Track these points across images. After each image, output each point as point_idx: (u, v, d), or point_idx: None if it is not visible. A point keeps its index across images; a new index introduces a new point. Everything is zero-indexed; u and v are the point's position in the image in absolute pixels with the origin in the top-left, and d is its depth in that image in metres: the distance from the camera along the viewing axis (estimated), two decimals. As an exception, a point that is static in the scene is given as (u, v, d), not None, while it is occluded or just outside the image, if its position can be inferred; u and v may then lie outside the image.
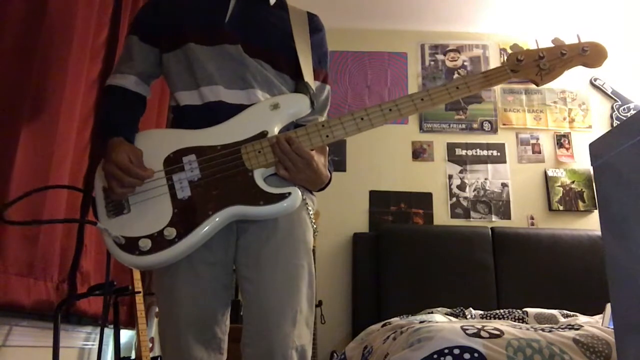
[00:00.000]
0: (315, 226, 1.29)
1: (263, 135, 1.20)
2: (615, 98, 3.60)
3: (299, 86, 1.33)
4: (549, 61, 1.26)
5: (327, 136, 1.21)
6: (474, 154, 3.53)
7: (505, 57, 3.60)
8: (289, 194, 1.14)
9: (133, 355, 2.30)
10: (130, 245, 1.10)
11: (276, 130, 1.21)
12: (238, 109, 1.23)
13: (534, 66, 1.26)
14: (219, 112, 1.22)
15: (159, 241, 1.10)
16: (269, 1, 1.38)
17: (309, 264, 1.23)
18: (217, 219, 1.13)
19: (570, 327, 1.61)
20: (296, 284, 1.18)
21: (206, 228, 1.12)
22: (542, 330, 1.58)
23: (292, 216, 1.21)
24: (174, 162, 1.18)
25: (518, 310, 2.42)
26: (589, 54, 1.26)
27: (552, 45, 1.28)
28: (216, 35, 1.28)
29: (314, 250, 1.27)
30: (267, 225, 1.19)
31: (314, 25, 1.41)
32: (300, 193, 1.16)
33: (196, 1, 1.33)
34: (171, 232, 1.10)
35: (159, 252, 1.09)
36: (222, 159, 1.18)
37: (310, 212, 1.28)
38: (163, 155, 1.19)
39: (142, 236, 1.10)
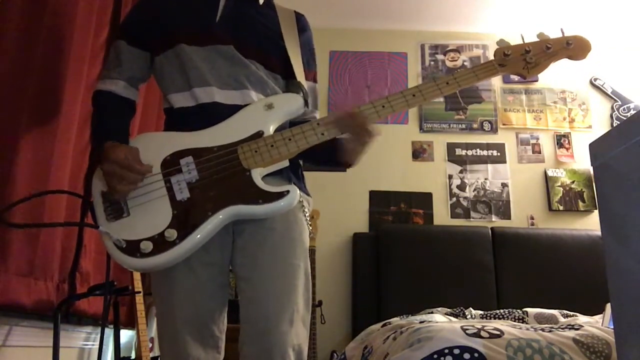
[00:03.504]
0: (310, 227, 1.30)
1: (259, 135, 1.21)
2: (615, 98, 3.60)
3: (291, 86, 1.33)
4: (535, 55, 1.30)
5: (323, 134, 1.22)
6: (474, 154, 3.53)
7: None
8: (287, 192, 1.15)
9: (133, 355, 2.30)
10: (132, 248, 1.10)
11: (271, 130, 1.22)
12: (232, 109, 1.23)
13: (521, 60, 1.30)
14: (214, 113, 1.23)
15: (160, 243, 1.10)
16: (259, 0, 1.38)
17: (305, 264, 1.24)
18: (216, 219, 1.13)
19: (570, 327, 1.61)
20: (293, 283, 1.19)
21: (206, 228, 1.12)
22: (542, 330, 1.58)
23: (288, 217, 1.21)
24: (171, 165, 1.18)
25: (518, 310, 2.42)
26: (573, 47, 1.30)
27: (538, 39, 1.32)
28: (207, 36, 1.28)
29: (313, 251, 1.28)
30: (263, 225, 1.20)
31: (302, 25, 1.42)
32: (298, 191, 1.17)
33: (185, 1, 1.33)
34: (172, 234, 1.11)
35: (160, 254, 1.10)
36: (219, 160, 1.18)
37: (307, 213, 1.29)
38: (160, 158, 1.20)
39: (143, 239, 1.11)
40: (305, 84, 1.35)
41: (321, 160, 1.36)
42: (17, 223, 1.20)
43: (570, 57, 1.31)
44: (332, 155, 1.32)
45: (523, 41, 1.32)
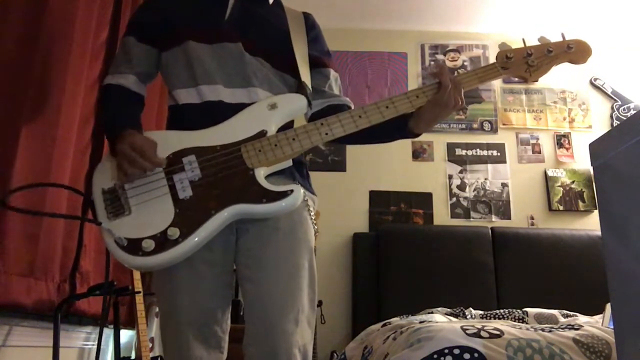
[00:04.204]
0: (316, 227, 1.30)
1: (262, 134, 1.20)
2: (615, 98, 3.60)
3: (300, 86, 1.34)
4: (537, 58, 1.31)
5: (327, 134, 1.22)
6: (474, 154, 3.53)
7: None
8: (291, 191, 1.14)
9: (133, 355, 2.30)
10: (133, 246, 1.09)
11: (274, 129, 1.22)
12: (237, 108, 1.23)
13: (523, 63, 1.31)
14: (218, 112, 1.23)
15: (163, 241, 1.09)
16: (268, 0, 1.38)
17: (310, 264, 1.23)
18: (219, 218, 1.13)
19: (570, 327, 1.61)
20: (298, 283, 1.18)
21: (209, 227, 1.12)
22: (542, 330, 1.58)
23: (293, 216, 1.21)
24: (174, 163, 1.18)
25: (518, 310, 2.42)
26: (574, 51, 1.31)
27: (539, 43, 1.33)
28: (216, 34, 1.28)
29: (314, 250, 1.27)
30: (268, 225, 1.19)
31: (310, 24, 1.43)
32: (302, 191, 1.17)
33: None
34: (174, 232, 1.10)
35: (162, 253, 1.09)
36: (222, 159, 1.18)
37: (312, 212, 1.28)
38: (163, 157, 1.19)
39: (144, 237, 1.10)
40: (331, 73, 1.40)
41: (386, 133, 1.35)
42: (19, 207, 1.17)
43: (571, 61, 1.32)
44: (401, 127, 1.30)
45: (525, 44, 1.32)
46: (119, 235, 1.10)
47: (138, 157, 1.13)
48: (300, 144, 1.20)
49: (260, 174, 1.17)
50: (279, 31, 1.34)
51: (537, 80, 1.33)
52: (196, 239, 1.11)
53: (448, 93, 1.23)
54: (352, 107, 1.39)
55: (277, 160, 1.19)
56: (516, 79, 1.35)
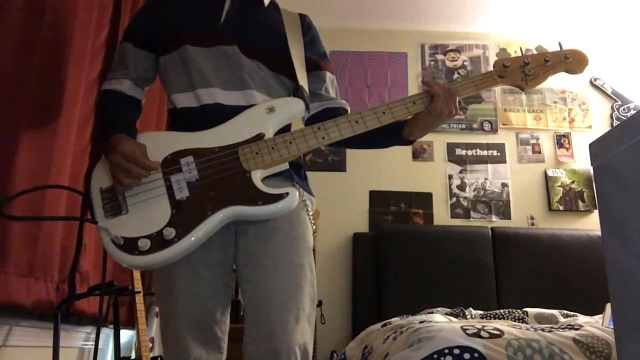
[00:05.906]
0: (314, 227, 1.30)
1: (260, 137, 1.21)
2: (615, 98, 3.60)
3: (297, 89, 1.34)
4: (534, 67, 1.33)
5: (323, 138, 1.23)
6: (474, 154, 3.53)
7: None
8: (287, 194, 1.15)
9: (133, 355, 2.30)
10: (129, 245, 1.11)
11: (272, 133, 1.23)
12: (235, 110, 1.24)
13: (520, 72, 1.33)
14: (216, 115, 1.24)
15: (158, 241, 1.11)
16: (264, 2, 1.39)
17: (309, 263, 1.23)
18: (215, 219, 1.13)
19: (570, 327, 1.61)
20: (297, 282, 1.19)
21: (205, 228, 1.13)
22: (542, 330, 1.58)
23: (291, 216, 1.21)
24: (171, 164, 1.19)
25: (518, 310, 2.42)
26: (571, 61, 1.34)
27: (536, 52, 1.35)
28: (212, 37, 1.29)
29: (314, 250, 1.28)
30: (266, 226, 1.20)
31: (307, 25, 1.44)
32: (297, 193, 1.18)
33: (191, 3, 1.34)
34: (170, 232, 1.11)
35: (158, 252, 1.10)
36: (219, 161, 1.19)
37: (310, 212, 1.29)
38: (161, 157, 1.20)
39: (141, 236, 1.11)
40: (327, 76, 1.42)
41: (381, 139, 1.37)
42: (15, 216, 1.19)
43: (567, 71, 1.35)
44: (396, 132, 1.33)
45: (522, 53, 1.34)
46: (115, 234, 1.11)
47: (133, 166, 1.14)
48: (297, 147, 1.21)
49: (257, 176, 1.17)
50: (275, 33, 1.35)
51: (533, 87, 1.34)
52: (192, 239, 1.12)
53: (441, 102, 1.24)
54: (349, 110, 1.41)
55: (273, 163, 1.20)
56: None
